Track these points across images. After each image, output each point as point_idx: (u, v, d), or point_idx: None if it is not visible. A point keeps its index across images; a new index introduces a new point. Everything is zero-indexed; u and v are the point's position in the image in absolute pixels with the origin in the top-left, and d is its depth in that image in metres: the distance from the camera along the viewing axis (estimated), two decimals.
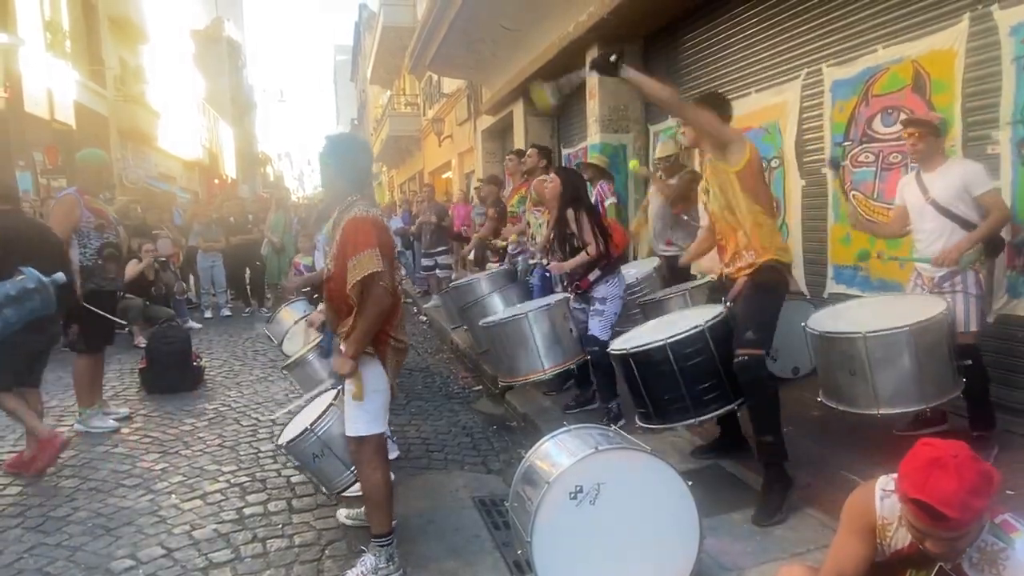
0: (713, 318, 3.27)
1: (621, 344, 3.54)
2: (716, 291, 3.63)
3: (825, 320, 3.50)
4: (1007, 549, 1.58)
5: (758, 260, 3.21)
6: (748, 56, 5.90)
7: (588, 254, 4.35)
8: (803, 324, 3.49)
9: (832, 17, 5.00)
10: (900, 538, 1.75)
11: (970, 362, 3.31)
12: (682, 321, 3.46)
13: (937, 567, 1.63)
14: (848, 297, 4.73)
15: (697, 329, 3.23)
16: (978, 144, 3.94)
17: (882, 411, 3.19)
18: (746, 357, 3.09)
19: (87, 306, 4.67)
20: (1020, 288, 3.77)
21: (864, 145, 4.76)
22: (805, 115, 5.30)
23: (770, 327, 3.21)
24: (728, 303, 3.33)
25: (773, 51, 5.59)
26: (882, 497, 1.78)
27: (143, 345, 6.71)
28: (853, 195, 4.87)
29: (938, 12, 4.19)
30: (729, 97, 3.78)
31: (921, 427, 3.60)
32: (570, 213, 4.43)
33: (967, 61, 3.99)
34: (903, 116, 4.21)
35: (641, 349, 3.33)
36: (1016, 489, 1.68)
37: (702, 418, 3.33)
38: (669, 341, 3.24)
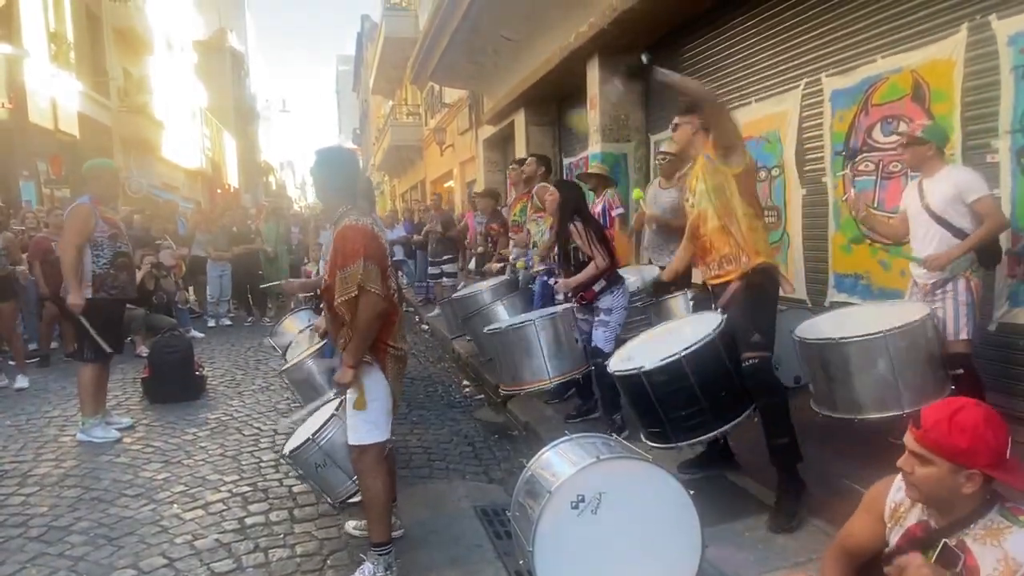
0: (695, 343, 3.09)
1: (617, 363, 3.41)
2: (702, 302, 3.61)
3: (816, 326, 3.53)
4: (1012, 527, 1.62)
5: (751, 264, 3.20)
6: (749, 66, 5.93)
7: (596, 267, 4.34)
8: (790, 330, 3.51)
9: (831, 27, 5.02)
10: (911, 519, 1.80)
11: (961, 371, 3.29)
12: (675, 335, 3.36)
13: (942, 544, 1.67)
14: (850, 306, 4.74)
15: (674, 357, 3.07)
16: (977, 153, 3.95)
17: (860, 416, 3.22)
18: (756, 360, 3.10)
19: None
20: (1021, 296, 3.77)
21: (864, 154, 4.77)
22: (805, 124, 5.32)
23: (771, 329, 3.23)
24: (720, 309, 3.28)
25: (773, 61, 5.62)
26: (899, 488, 1.83)
27: (145, 354, 6.74)
28: None
29: (937, 22, 4.22)
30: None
31: None
32: (572, 227, 4.43)
33: (966, 71, 4.00)
34: (902, 127, 4.23)
35: (625, 373, 3.22)
36: (1014, 499, 1.70)
37: (697, 439, 3.24)
38: (650, 368, 3.09)
